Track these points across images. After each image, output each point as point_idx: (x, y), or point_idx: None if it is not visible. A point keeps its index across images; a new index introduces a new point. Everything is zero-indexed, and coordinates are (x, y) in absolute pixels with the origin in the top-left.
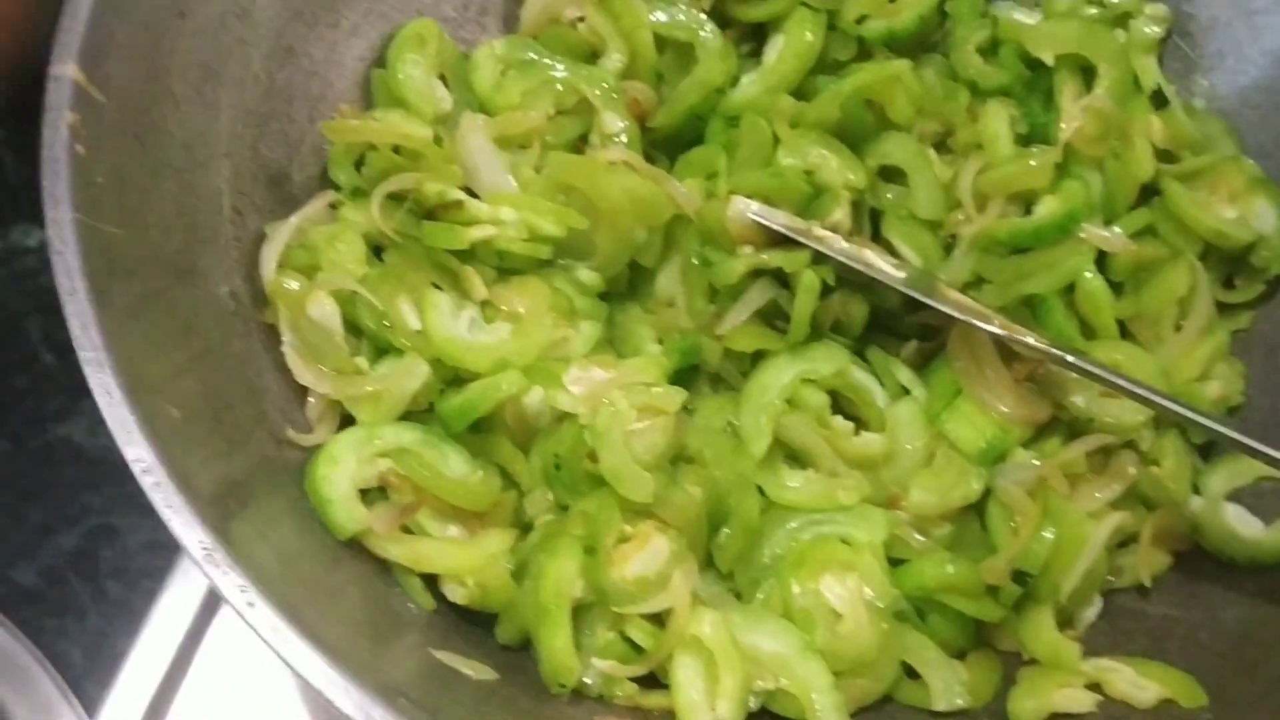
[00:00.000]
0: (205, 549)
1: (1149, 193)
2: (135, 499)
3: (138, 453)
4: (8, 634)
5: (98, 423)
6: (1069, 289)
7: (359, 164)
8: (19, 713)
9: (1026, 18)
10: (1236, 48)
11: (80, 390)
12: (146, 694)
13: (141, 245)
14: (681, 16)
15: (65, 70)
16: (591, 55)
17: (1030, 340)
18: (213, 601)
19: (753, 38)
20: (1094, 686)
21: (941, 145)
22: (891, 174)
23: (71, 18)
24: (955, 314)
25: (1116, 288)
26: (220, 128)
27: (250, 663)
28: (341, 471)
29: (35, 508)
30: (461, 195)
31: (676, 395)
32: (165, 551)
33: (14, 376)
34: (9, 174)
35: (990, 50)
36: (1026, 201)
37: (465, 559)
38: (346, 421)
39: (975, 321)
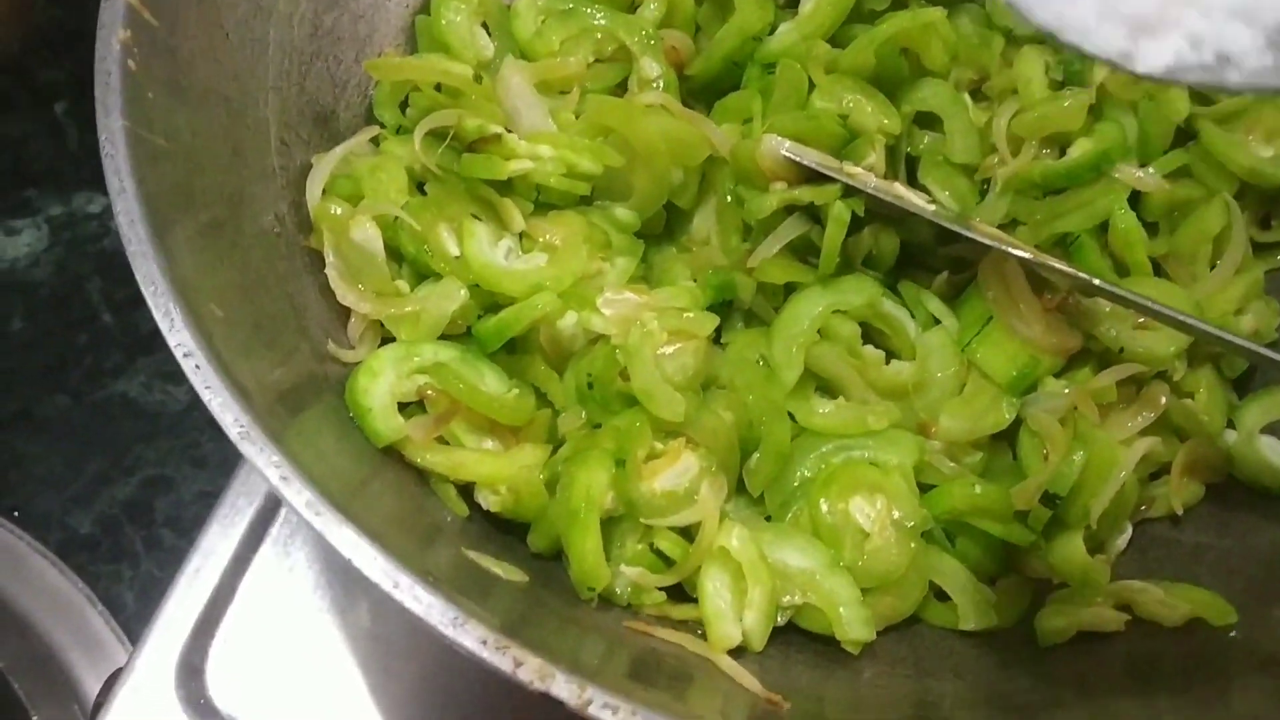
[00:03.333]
0: (241, 428)
1: (1184, 137)
2: (188, 451)
3: (180, 338)
4: (63, 577)
5: (153, 378)
6: (1102, 228)
7: (403, 104)
8: (73, 654)
9: None
10: None
11: (137, 348)
12: (186, 628)
13: (189, 163)
14: None
15: None
16: (630, 5)
17: (1061, 266)
18: (252, 540)
19: None
20: (1123, 607)
21: (976, 92)
22: (926, 121)
23: None
24: (987, 241)
25: (1151, 228)
26: (268, 62)
27: (291, 598)
28: (381, 383)
29: (92, 459)
30: (500, 129)
31: (709, 320)
32: (216, 501)
33: (75, 335)
34: (71, 143)
35: None
36: (1061, 144)
37: (500, 467)
38: (386, 343)
39: (1007, 248)
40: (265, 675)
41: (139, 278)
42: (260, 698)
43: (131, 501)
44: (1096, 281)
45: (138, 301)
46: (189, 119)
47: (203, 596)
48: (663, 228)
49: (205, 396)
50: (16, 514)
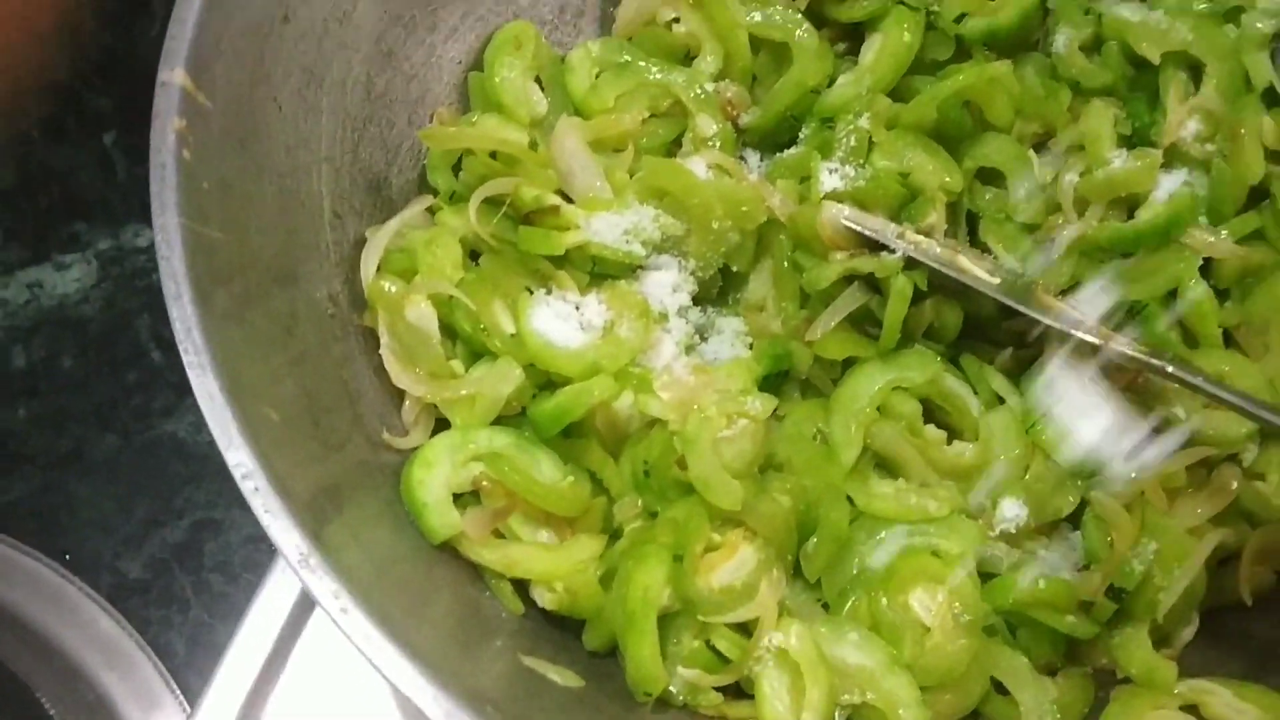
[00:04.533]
0: (301, 554)
1: (1259, 195)
2: (238, 494)
3: (238, 457)
4: (114, 623)
5: (202, 420)
6: (1172, 295)
7: (456, 168)
8: (122, 699)
9: (1132, 14)
10: None
11: (186, 388)
12: (245, 685)
13: (244, 249)
14: (777, 16)
15: (173, 76)
16: (686, 56)
17: (1129, 350)
18: (306, 602)
19: (849, 36)
20: (1190, 708)
21: (1041, 146)
22: (989, 176)
23: (179, 24)
24: (1051, 321)
25: (1222, 294)
26: (321, 131)
27: (347, 656)
28: (436, 475)
29: (142, 501)
30: (558, 200)
31: (767, 403)
32: (266, 545)
33: (125, 373)
34: (120, 175)
35: (1093, 47)
36: (1129, 205)
37: (555, 564)
38: (441, 425)
39: (1073, 330)
40: None
41: (195, 389)
42: None
43: (181, 545)
44: (1170, 368)
45: None
46: (242, 204)
47: (257, 661)
48: (717, 290)
49: (264, 521)
50: (68, 557)
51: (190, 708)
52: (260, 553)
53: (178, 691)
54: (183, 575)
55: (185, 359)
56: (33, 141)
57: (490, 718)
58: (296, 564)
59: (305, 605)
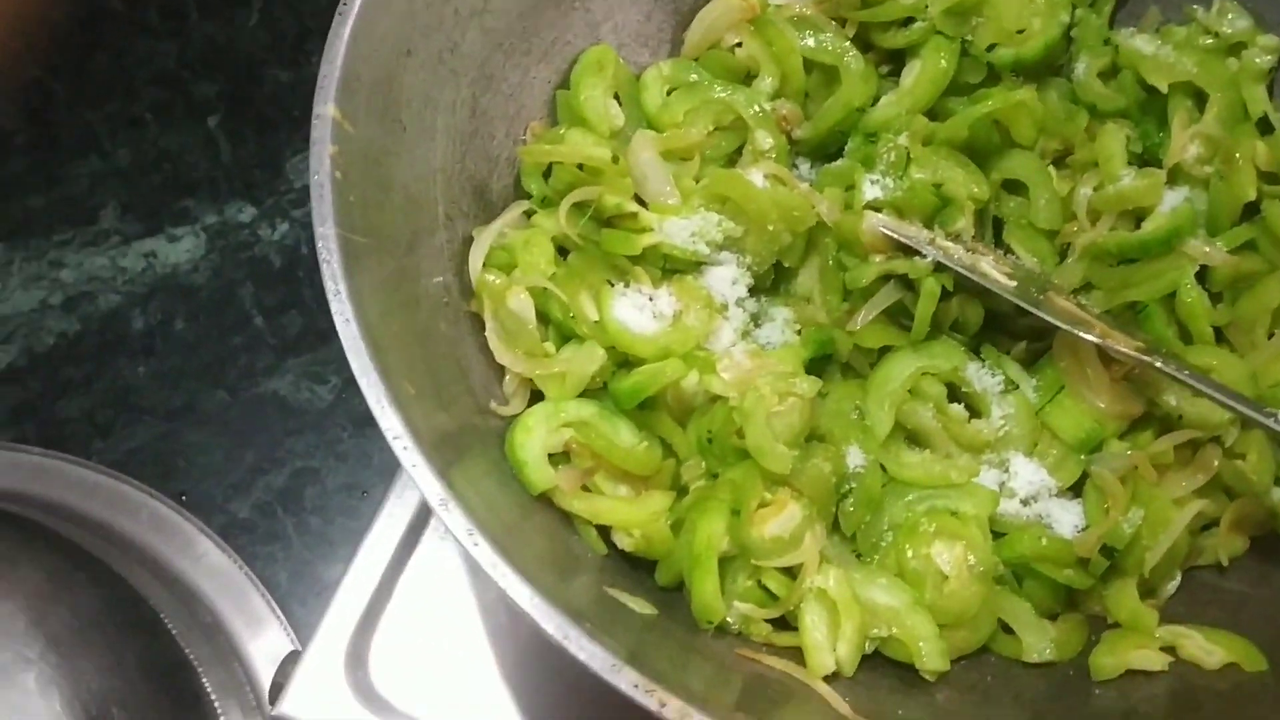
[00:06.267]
0: (441, 500)
1: (1252, 210)
2: (332, 446)
3: (390, 423)
4: (225, 557)
5: (300, 378)
6: (1170, 296)
7: (546, 174)
8: (236, 625)
9: (1145, 45)
10: None
11: (286, 350)
12: (351, 624)
13: (380, 249)
14: (828, 43)
15: (327, 110)
16: (747, 76)
17: (1122, 348)
18: (411, 539)
19: (891, 60)
20: (1168, 649)
21: (1060, 161)
22: (1014, 186)
23: (329, 64)
24: (1057, 323)
25: (1216, 296)
26: (436, 147)
27: (440, 600)
28: (534, 438)
29: (249, 451)
30: (635, 206)
31: (812, 384)
32: (359, 492)
33: (231, 337)
34: (224, 156)
35: (1111, 74)
36: (1137, 216)
37: (633, 514)
38: (535, 396)
39: (1075, 330)
40: (421, 665)
41: (354, 367)
42: (417, 686)
43: (284, 490)
44: (1157, 364)
45: (284, 307)
46: (378, 212)
47: (365, 596)
48: (770, 282)
49: (413, 474)
50: (184, 498)
51: (293, 631)
52: (353, 498)
53: (282, 617)
54: (285, 517)
55: (346, 344)
56: (146, 124)
57: (589, 632)
58: (438, 506)
59: (406, 547)
